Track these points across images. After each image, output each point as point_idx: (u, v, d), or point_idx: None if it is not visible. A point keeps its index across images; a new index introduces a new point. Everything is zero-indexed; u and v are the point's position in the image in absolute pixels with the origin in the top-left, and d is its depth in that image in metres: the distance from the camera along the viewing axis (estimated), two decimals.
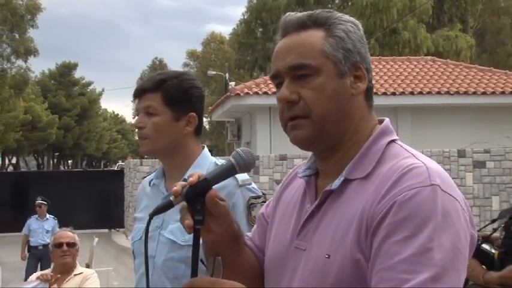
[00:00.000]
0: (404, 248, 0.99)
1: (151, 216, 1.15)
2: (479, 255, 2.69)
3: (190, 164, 1.87)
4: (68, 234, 4.23)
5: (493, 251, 2.75)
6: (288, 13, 1.22)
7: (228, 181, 1.71)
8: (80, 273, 4.04)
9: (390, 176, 1.06)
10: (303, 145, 1.17)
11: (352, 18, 1.22)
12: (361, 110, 1.18)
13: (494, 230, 2.87)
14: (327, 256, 1.09)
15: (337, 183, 1.14)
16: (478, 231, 2.78)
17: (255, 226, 1.41)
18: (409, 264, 0.97)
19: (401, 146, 1.16)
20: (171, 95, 1.86)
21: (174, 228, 1.77)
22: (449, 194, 1.04)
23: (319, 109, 1.13)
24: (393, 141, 1.17)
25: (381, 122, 1.22)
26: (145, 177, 2.10)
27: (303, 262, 1.14)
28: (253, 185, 1.86)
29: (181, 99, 1.88)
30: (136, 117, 1.91)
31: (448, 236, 1.00)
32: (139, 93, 1.90)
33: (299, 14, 1.20)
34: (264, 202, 1.74)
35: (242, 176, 1.80)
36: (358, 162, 1.14)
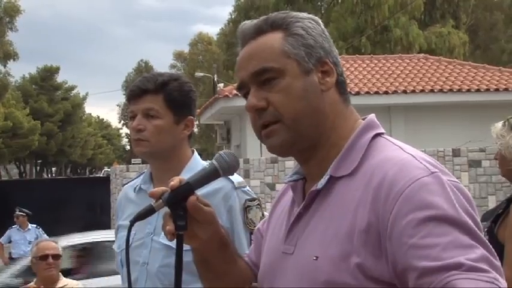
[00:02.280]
0: (436, 238, 0.94)
1: (132, 223, 1.15)
2: None
3: (182, 168, 1.87)
4: (53, 245, 4.09)
5: None
6: (243, 22, 1.22)
7: (224, 184, 1.80)
8: (64, 286, 3.97)
9: (382, 172, 1.03)
10: (281, 152, 1.17)
11: (310, 15, 1.21)
12: (335, 105, 1.16)
13: None
14: (315, 258, 1.07)
15: (322, 182, 1.12)
16: None
17: (252, 245, 1.40)
18: (455, 247, 0.93)
19: (387, 139, 1.14)
20: (173, 97, 1.87)
21: None
22: (450, 180, 1.03)
23: (289, 111, 1.12)
24: (379, 134, 1.15)
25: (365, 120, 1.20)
26: (125, 184, 2.09)
27: (290, 266, 1.13)
28: (248, 187, 1.89)
29: (182, 103, 1.89)
30: (136, 119, 1.87)
31: (467, 215, 0.98)
32: (137, 94, 1.87)
33: (255, 21, 1.20)
34: (259, 205, 1.86)
35: (237, 179, 1.84)
36: (342, 158, 1.12)
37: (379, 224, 1.00)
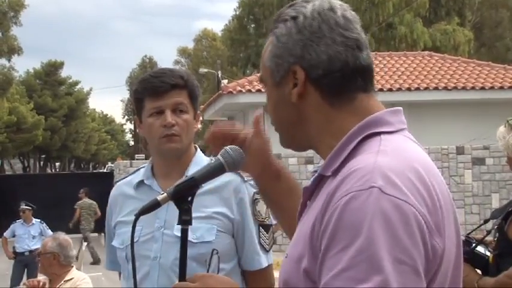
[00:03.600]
0: (337, 261, 0.93)
1: (137, 216, 1.16)
2: (473, 259, 2.56)
3: (188, 163, 1.88)
4: (43, 242, 4.16)
5: (488, 253, 2.61)
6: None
7: (233, 177, 1.83)
8: (70, 279, 3.96)
9: (339, 178, 1.00)
10: (293, 149, 1.20)
11: (297, 7, 1.12)
12: (317, 111, 1.09)
13: (488, 232, 2.72)
14: (285, 256, 1.08)
15: (312, 180, 1.11)
16: (471, 232, 2.70)
17: None
18: (342, 279, 0.91)
19: (380, 139, 1.03)
20: (195, 92, 1.90)
21: None
22: (394, 196, 0.93)
23: (272, 118, 1.16)
24: (378, 133, 1.05)
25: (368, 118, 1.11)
26: (118, 181, 2.07)
27: None
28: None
29: (198, 98, 1.93)
30: (166, 115, 1.84)
31: (384, 244, 0.90)
32: (166, 89, 1.84)
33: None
34: None
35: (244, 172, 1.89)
36: (331, 158, 1.07)
37: (319, 232, 0.98)
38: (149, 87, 1.86)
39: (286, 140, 1.17)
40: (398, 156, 1.00)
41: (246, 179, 1.84)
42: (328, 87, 1.07)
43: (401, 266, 0.90)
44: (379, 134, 1.05)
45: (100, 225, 16.11)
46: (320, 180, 1.08)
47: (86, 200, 13.11)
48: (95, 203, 12.98)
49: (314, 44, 1.07)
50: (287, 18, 1.11)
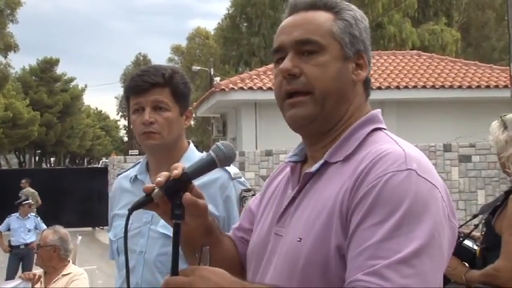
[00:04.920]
0: (373, 233, 0.98)
1: (130, 211, 1.15)
2: (460, 252, 2.58)
3: (179, 159, 1.87)
4: (43, 235, 4.10)
5: (475, 247, 2.65)
6: None
7: (221, 174, 1.83)
8: (68, 274, 3.93)
9: (367, 161, 1.06)
10: (300, 124, 1.17)
11: (360, 10, 1.23)
12: (359, 97, 1.20)
13: (476, 226, 2.77)
14: (298, 240, 1.09)
15: (316, 166, 1.15)
16: (460, 226, 2.72)
17: (240, 218, 1.42)
18: (376, 249, 0.97)
19: (386, 134, 1.16)
20: (179, 90, 1.88)
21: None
22: (427, 180, 1.03)
23: (322, 86, 1.13)
24: (379, 129, 1.17)
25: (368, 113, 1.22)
26: (119, 174, 2.08)
27: (279, 247, 1.15)
28: (243, 178, 1.91)
29: (185, 95, 1.91)
30: (146, 113, 1.85)
31: (420, 221, 0.99)
32: (146, 88, 1.85)
33: None
34: (254, 195, 1.75)
35: (234, 170, 1.86)
36: (339, 146, 1.15)
37: (346, 206, 1.05)
38: (132, 85, 1.89)
39: (316, 112, 1.14)
40: (412, 147, 1.10)
41: (233, 177, 1.85)
42: (367, 81, 1.22)
43: (433, 241, 0.99)
44: (380, 129, 1.18)
45: (94, 220, 16.25)
46: (321, 167, 1.15)
47: (29, 189, 13.14)
48: (36, 192, 13.04)
49: (370, 46, 1.23)
50: (354, 8, 1.22)
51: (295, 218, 1.14)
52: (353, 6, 1.22)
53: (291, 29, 1.18)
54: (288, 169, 1.28)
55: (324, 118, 1.15)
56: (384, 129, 1.18)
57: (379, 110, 1.23)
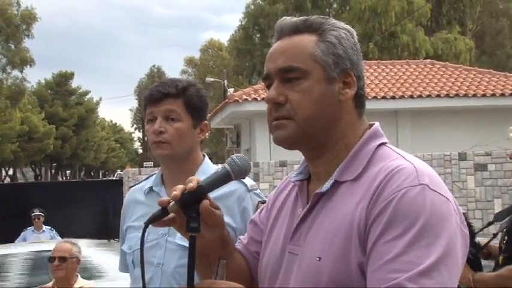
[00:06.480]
0: (393, 247, 1.01)
1: (146, 224, 1.16)
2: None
3: (195, 171, 1.88)
4: (64, 247, 4.06)
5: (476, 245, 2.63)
6: (283, 17, 1.25)
7: (238, 186, 1.85)
8: (80, 287, 3.94)
9: (380, 178, 1.09)
10: (286, 145, 1.20)
11: (347, 26, 1.23)
12: (349, 116, 1.20)
13: (494, 236, 2.74)
14: (318, 259, 1.10)
15: (327, 185, 1.16)
16: (475, 233, 2.68)
17: (248, 231, 1.42)
18: (396, 263, 1.00)
19: (391, 149, 1.18)
20: (193, 102, 1.90)
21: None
22: (439, 193, 1.06)
23: (303, 112, 1.16)
24: (383, 144, 1.19)
25: (371, 126, 1.23)
26: (132, 186, 2.10)
27: (296, 266, 1.16)
28: (259, 190, 1.93)
29: (200, 108, 1.92)
30: (157, 122, 1.88)
31: (438, 234, 1.02)
32: (159, 98, 1.88)
33: (294, 19, 1.23)
34: None
35: (250, 182, 1.89)
36: (347, 164, 1.17)
37: (363, 224, 1.07)
38: (147, 95, 1.93)
39: (297, 134, 1.17)
40: (420, 161, 1.13)
41: (250, 188, 1.87)
42: (359, 97, 1.21)
43: (449, 252, 1.02)
44: (383, 144, 1.19)
45: (109, 232, 16.25)
46: (332, 186, 1.16)
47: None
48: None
49: (360, 60, 1.22)
50: (339, 27, 1.21)
51: (309, 237, 1.16)
52: (339, 24, 1.22)
53: (276, 56, 1.20)
54: (290, 186, 1.31)
55: (307, 139, 1.18)
56: (386, 143, 1.21)
57: (378, 122, 1.24)
